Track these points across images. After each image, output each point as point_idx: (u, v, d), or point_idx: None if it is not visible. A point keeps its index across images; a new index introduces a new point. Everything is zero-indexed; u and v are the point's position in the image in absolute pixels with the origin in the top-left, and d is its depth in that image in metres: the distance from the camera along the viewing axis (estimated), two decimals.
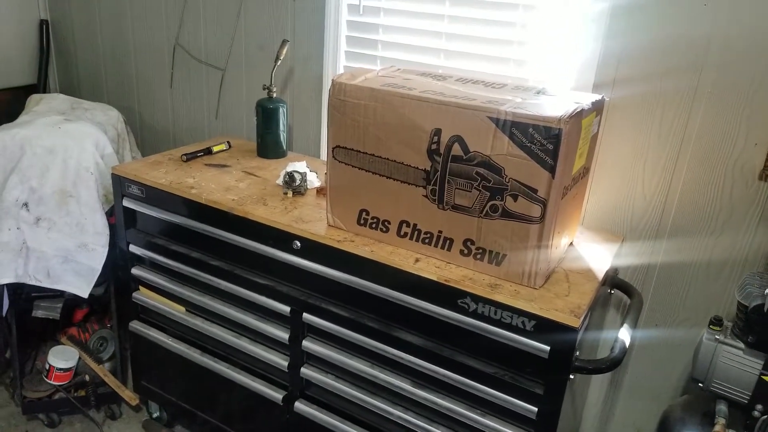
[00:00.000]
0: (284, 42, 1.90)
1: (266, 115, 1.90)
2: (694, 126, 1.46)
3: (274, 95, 1.92)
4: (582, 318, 1.17)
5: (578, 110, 1.15)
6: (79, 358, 2.09)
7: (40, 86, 2.65)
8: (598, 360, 1.24)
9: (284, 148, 1.97)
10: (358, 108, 1.33)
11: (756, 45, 1.35)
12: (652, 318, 1.65)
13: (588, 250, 1.47)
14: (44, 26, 2.65)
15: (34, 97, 2.30)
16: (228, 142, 2.01)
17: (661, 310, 1.63)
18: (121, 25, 2.45)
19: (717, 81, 1.41)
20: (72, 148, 1.84)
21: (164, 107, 2.46)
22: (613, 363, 1.23)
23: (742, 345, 1.24)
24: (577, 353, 1.21)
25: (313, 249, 1.46)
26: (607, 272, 1.38)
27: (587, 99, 1.24)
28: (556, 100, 1.24)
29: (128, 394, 2.06)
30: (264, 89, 1.92)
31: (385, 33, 1.86)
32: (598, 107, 1.29)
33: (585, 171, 1.37)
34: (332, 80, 1.35)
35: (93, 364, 2.10)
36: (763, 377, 1.18)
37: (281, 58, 1.89)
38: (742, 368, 1.23)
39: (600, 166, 1.59)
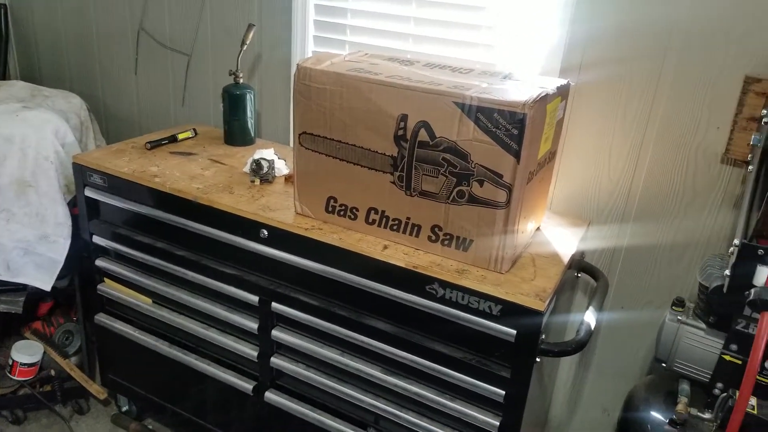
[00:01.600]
0: (250, 26, 1.86)
1: (233, 101, 1.87)
2: (658, 110, 1.48)
3: (241, 81, 1.89)
4: (547, 301, 1.18)
5: (543, 95, 1.15)
6: (44, 352, 2.04)
7: (0, 73, 2.56)
8: (563, 342, 1.25)
9: (252, 135, 1.94)
10: (323, 93, 1.31)
11: (717, 29, 1.37)
12: (618, 300, 1.67)
13: (554, 234, 1.48)
14: (2, 10, 2.55)
15: None
16: (194, 129, 1.97)
17: (627, 293, 1.65)
18: (83, 10, 2.38)
19: (680, 65, 1.43)
20: (30, 136, 1.78)
21: (129, 94, 2.40)
22: (579, 345, 1.25)
23: (703, 325, 1.27)
24: (543, 336, 1.22)
25: (280, 237, 1.44)
26: (573, 256, 1.40)
27: (552, 84, 1.25)
28: (522, 85, 1.24)
29: (96, 388, 2.03)
30: (230, 75, 1.88)
31: (354, 17, 1.83)
32: (563, 92, 1.29)
33: (551, 156, 1.38)
34: (297, 65, 1.33)
35: (59, 359, 2.05)
36: (724, 356, 1.21)
37: (247, 42, 1.86)
38: (704, 348, 1.26)
39: (567, 150, 1.60)
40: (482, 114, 1.15)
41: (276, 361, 1.57)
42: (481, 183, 1.20)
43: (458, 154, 1.20)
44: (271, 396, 1.60)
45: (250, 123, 1.91)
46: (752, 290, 1.07)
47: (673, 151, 1.49)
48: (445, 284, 1.26)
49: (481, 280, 1.23)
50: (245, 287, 1.54)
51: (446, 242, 1.29)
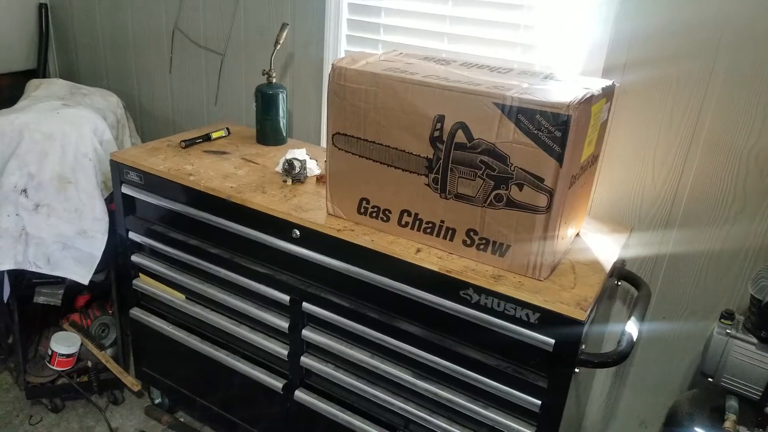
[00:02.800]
0: (284, 26, 1.85)
1: (265, 101, 1.86)
2: (707, 112, 1.41)
3: (274, 81, 1.88)
4: (588, 311, 1.14)
5: (588, 96, 1.10)
6: (81, 344, 2.08)
7: (40, 71, 2.62)
8: (604, 354, 1.20)
9: (284, 134, 1.93)
10: (358, 93, 1.29)
11: None
12: (659, 310, 1.61)
13: (595, 240, 1.43)
14: (43, 10, 2.61)
15: (33, 82, 2.27)
16: (227, 128, 1.97)
17: (669, 303, 1.59)
18: (120, 9, 2.41)
19: (732, 65, 1.35)
20: (70, 133, 1.81)
21: (163, 93, 2.43)
22: (620, 356, 1.20)
23: (754, 340, 1.21)
24: (583, 347, 1.18)
25: (312, 238, 1.42)
26: (614, 264, 1.34)
27: (597, 84, 1.20)
28: (565, 85, 1.19)
29: (130, 380, 2.06)
30: (263, 74, 1.87)
31: (387, 16, 1.80)
32: (608, 93, 1.24)
33: (593, 159, 1.33)
34: (332, 64, 1.31)
35: (95, 350, 2.09)
36: None
37: (280, 42, 1.85)
38: (755, 364, 1.19)
39: (609, 153, 1.54)
40: (523, 115, 1.11)
41: (306, 360, 1.56)
42: (520, 186, 1.16)
43: (497, 157, 1.16)
44: (300, 395, 1.59)
45: (282, 123, 1.91)
46: None
47: (723, 156, 1.42)
48: (480, 290, 1.22)
49: (518, 287, 1.20)
50: (277, 286, 1.54)
51: (482, 247, 1.26)
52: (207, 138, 1.90)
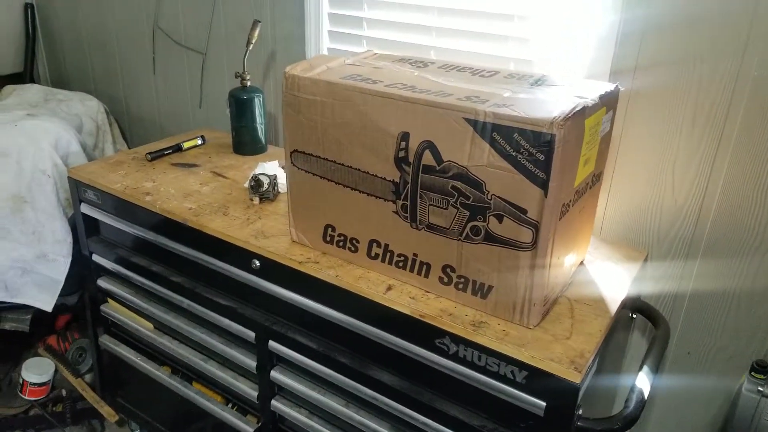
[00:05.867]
0: (255, 23, 1.66)
1: (239, 106, 1.69)
2: (735, 118, 1.17)
3: (248, 84, 1.70)
4: (585, 371, 0.93)
5: (579, 108, 0.89)
6: (57, 370, 1.96)
7: (26, 75, 2.50)
8: (607, 419, 0.99)
9: (263, 142, 1.75)
10: (314, 105, 1.10)
11: None
12: (679, 357, 1.38)
13: (602, 271, 1.21)
14: (29, 10, 2.48)
15: (7, 88, 2.15)
16: (202, 136, 1.81)
17: (692, 347, 1.35)
18: (101, 8, 2.27)
19: (764, 62, 1.11)
20: (27, 148, 1.67)
21: (149, 95, 2.28)
22: (628, 422, 0.99)
23: None
24: (580, 412, 0.97)
25: (272, 269, 1.25)
26: (623, 302, 1.13)
27: (595, 91, 0.98)
28: (556, 92, 0.98)
29: (107, 410, 1.92)
30: (236, 77, 1.70)
31: (371, 8, 1.60)
32: (609, 100, 1.02)
33: (595, 178, 1.11)
34: (284, 71, 1.12)
35: (70, 377, 1.97)
36: None
37: (252, 41, 1.67)
38: None
39: (620, 168, 1.32)
40: (499, 133, 0.90)
41: (277, 404, 1.39)
42: (499, 218, 0.96)
43: (471, 183, 0.96)
44: None
45: (260, 129, 1.73)
46: None
47: (755, 169, 1.18)
48: (458, 339, 1.03)
49: (501, 338, 0.99)
50: (241, 321, 1.37)
51: (461, 286, 1.06)
52: (178, 148, 1.74)
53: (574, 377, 0.92)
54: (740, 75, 1.14)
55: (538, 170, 0.88)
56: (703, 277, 1.29)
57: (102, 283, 1.67)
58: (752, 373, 1.02)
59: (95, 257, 1.65)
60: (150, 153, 1.67)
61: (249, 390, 1.43)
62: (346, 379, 1.22)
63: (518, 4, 1.35)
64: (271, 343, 1.32)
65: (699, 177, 1.24)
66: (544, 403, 0.97)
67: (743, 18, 1.11)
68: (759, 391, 1.00)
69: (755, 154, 1.17)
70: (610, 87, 1.01)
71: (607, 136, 1.08)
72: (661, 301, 1.34)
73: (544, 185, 0.89)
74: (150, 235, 1.47)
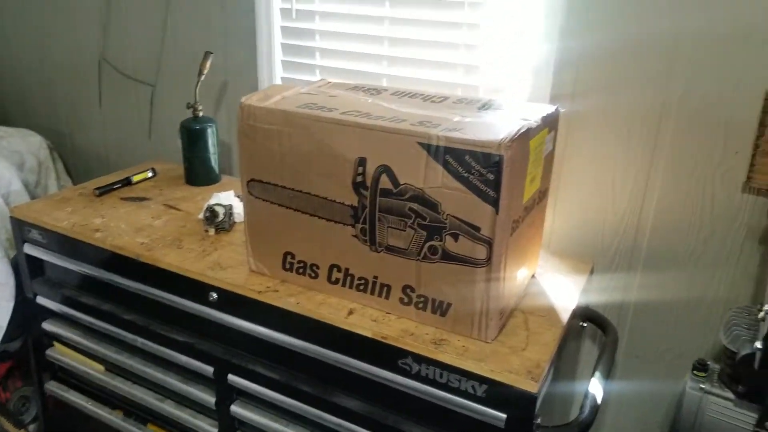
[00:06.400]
0: (207, 54, 1.68)
1: (192, 137, 1.68)
2: (666, 134, 1.27)
3: (200, 114, 1.70)
4: (541, 381, 0.97)
5: (523, 130, 0.95)
6: None
7: None
8: (564, 426, 1.03)
9: (216, 172, 1.75)
10: (271, 134, 1.12)
11: (732, 36, 1.16)
12: (629, 360, 1.45)
13: (552, 283, 1.27)
14: None
15: None
16: (153, 168, 1.79)
17: (640, 352, 1.43)
18: (40, 41, 2.22)
19: (689, 81, 1.22)
20: None
21: (95, 129, 2.23)
22: (583, 427, 1.03)
23: (731, 395, 1.05)
24: (539, 420, 1.01)
25: (231, 301, 1.24)
26: (573, 311, 1.18)
27: (536, 113, 1.04)
28: (501, 116, 1.04)
29: None
30: (188, 108, 1.70)
31: (323, 39, 1.65)
32: (550, 122, 1.09)
33: (542, 195, 1.17)
34: (240, 102, 1.14)
35: (13, 429, 1.86)
36: None
37: (204, 72, 1.68)
38: (734, 423, 1.04)
39: (564, 184, 1.40)
40: (451, 156, 0.95)
41: None
42: (455, 237, 1.00)
43: (427, 204, 1.00)
44: None
45: (213, 159, 1.73)
46: None
47: (686, 181, 1.28)
48: (419, 359, 1.05)
49: (462, 353, 1.03)
50: (199, 356, 1.34)
51: (420, 306, 1.09)
52: (127, 182, 1.71)
53: (532, 387, 0.96)
54: (667, 97, 1.24)
55: (489, 189, 0.93)
56: (646, 286, 1.37)
57: (47, 326, 1.61)
58: (694, 372, 1.09)
59: (40, 299, 1.59)
60: (98, 188, 1.63)
61: (208, 427, 1.40)
62: (310, 408, 1.22)
63: (464, 34, 1.43)
64: (231, 377, 1.31)
65: (636, 191, 1.33)
66: (504, 415, 1.00)
67: (667, 46, 1.21)
68: (701, 388, 1.07)
69: (685, 169, 1.27)
70: (550, 109, 1.09)
71: (550, 155, 1.15)
72: (609, 310, 1.42)
73: (495, 203, 0.94)
74: (100, 273, 1.43)
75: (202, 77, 1.69)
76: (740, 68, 1.17)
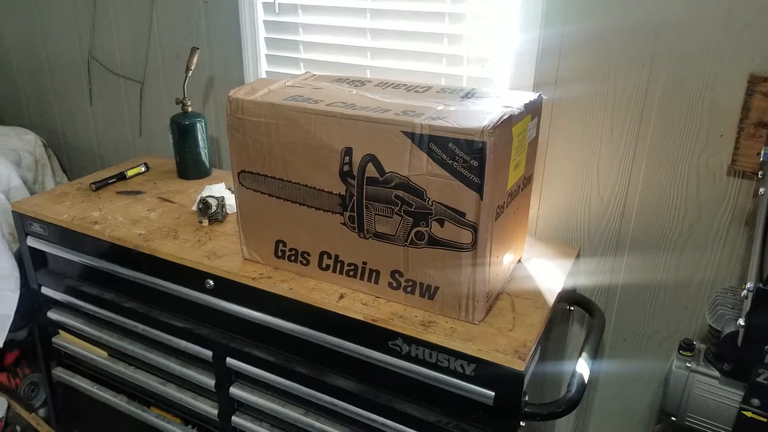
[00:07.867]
0: (193, 50, 1.69)
1: (182, 132, 1.71)
2: (649, 118, 1.28)
3: (189, 109, 1.72)
4: (528, 359, 1.00)
5: (506, 117, 0.97)
6: (9, 407, 1.90)
7: None
8: (551, 404, 1.07)
9: (207, 166, 1.77)
10: (259, 127, 1.14)
11: (714, 20, 1.17)
12: (617, 342, 1.48)
13: (538, 267, 1.30)
14: None
15: None
16: (145, 163, 1.81)
17: (627, 333, 1.46)
18: (31, 40, 2.24)
19: (671, 65, 1.23)
20: None
21: (87, 126, 2.25)
22: (570, 405, 1.07)
23: (717, 373, 1.08)
24: (526, 398, 1.04)
25: (227, 288, 1.27)
26: (559, 294, 1.21)
27: (520, 100, 1.06)
28: (484, 104, 1.06)
29: None
30: (177, 103, 1.72)
31: (306, 33, 1.66)
32: (533, 109, 1.11)
33: (526, 181, 1.20)
34: (228, 96, 1.16)
35: (24, 413, 1.91)
36: (744, 412, 1.02)
37: (192, 68, 1.70)
38: (719, 401, 1.07)
39: (549, 170, 1.41)
40: (435, 144, 0.97)
41: (237, 420, 1.41)
42: (441, 223, 1.02)
43: (412, 191, 1.02)
44: None
45: (204, 154, 1.75)
46: None
47: (671, 164, 1.30)
48: (409, 340, 1.08)
49: (450, 334, 1.06)
50: (198, 341, 1.38)
51: (409, 290, 1.12)
52: (122, 177, 1.74)
53: (519, 365, 0.99)
54: (650, 82, 1.25)
55: (473, 175, 0.95)
56: (632, 269, 1.40)
57: (52, 314, 1.65)
58: (680, 351, 1.12)
59: (44, 289, 1.63)
60: (94, 183, 1.66)
61: (209, 408, 1.44)
62: (305, 388, 1.26)
63: (447, 24, 1.44)
64: (229, 360, 1.34)
65: (621, 176, 1.35)
66: (492, 393, 1.03)
67: (649, 33, 1.22)
68: (687, 366, 1.10)
69: (668, 153, 1.29)
70: (533, 96, 1.10)
71: (534, 142, 1.17)
72: (596, 293, 1.44)
73: (479, 189, 0.96)
74: (100, 264, 1.47)
75: (190, 73, 1.71)
76: (723, 52, 1.18)
